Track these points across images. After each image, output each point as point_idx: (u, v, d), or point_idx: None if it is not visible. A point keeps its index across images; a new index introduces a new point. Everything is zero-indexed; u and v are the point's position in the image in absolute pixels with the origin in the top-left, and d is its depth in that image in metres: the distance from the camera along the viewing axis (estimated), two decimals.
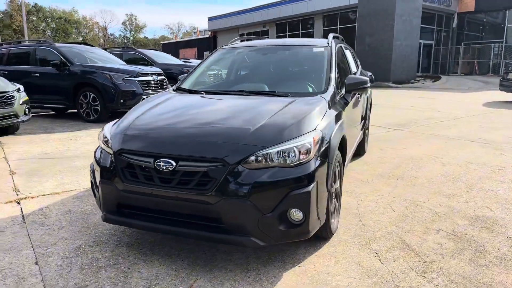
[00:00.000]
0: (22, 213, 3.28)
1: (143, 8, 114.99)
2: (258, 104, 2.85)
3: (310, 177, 2.21)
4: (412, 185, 3.93)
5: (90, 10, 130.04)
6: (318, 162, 2.31)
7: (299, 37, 26.28)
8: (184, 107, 3.00)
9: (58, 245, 2.70)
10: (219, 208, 2.15)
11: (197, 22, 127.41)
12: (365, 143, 5.29)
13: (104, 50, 11.05)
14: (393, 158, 5.05)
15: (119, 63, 9.50)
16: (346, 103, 3.37)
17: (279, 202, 2.15)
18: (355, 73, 4.45)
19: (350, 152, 3.49)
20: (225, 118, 2.58)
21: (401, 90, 17.52)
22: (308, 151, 2.25)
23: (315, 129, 2.43)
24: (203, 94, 3.31)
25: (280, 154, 2.20)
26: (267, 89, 3.29)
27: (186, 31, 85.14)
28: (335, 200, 2.76)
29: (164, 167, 2.21)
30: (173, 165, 2.20)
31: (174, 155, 2.23)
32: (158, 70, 9.40)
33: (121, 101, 8.11)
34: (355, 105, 3.88)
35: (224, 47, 4.22)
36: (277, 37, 29.27)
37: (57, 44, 9.21)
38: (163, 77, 9.20)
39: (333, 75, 3.31)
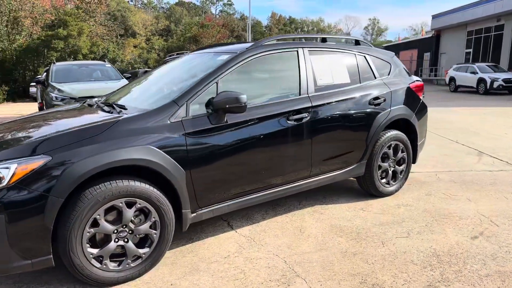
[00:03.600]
0: None
1: (387, 10, 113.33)
2: (75, 119, 2.99)
3: None
4: None
5: (335, 18, 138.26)
6: (15, 192, 2.16)
7: None
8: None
9: None
10: None
11: None
12: None
13: None
14: None
15: None
16: (206, 129, 2.75)
17: None
18: (321, 88, 3.45)
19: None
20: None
21: None
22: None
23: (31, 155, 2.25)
24: (94, 106, 3.28)
25: None
26: (124, 104, 3.10)
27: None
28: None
29: None
30: None
31: None
32: None
33: None
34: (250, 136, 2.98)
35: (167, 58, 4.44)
36: None
37: None
38: None
39: (200, 87, 2.82)
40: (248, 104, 2.96)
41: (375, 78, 3.93)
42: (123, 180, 2.45)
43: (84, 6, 27.32)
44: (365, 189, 4.01)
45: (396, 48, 38.54)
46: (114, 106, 3.06)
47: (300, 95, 3.33)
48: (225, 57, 3.16)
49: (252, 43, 3.35)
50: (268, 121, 3.08)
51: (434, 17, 31.06)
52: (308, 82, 3.39)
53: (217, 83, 2.92)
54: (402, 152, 4.09)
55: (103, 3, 28.28)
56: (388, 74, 4.06)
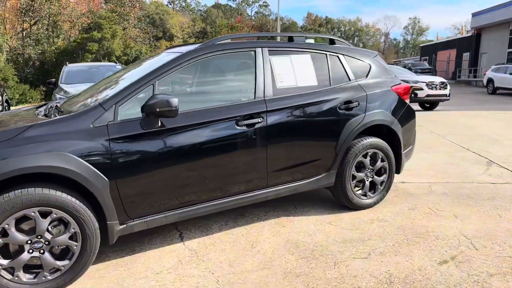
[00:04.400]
0: None
1: (430, 9, 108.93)
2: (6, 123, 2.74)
3: None
4: None
5: (374, 17, 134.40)
6: None
7: None
8: None
9: None
10: None
11: None
12: None
13: None
14: None
15: None
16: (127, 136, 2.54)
17: None
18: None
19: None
20: None
21: None
22: None
23: None
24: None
25: None
26: (66, 107, 3.02)
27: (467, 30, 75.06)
28: None
29: None
30: None
31: None
32: None
33: None
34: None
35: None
36: None
37: None
38: None
39: (133, 89, 2.65)
40: (190, 109, 2.76)
41: (350, 80, 3.59)
42: (35, 188, 2.32)
43: (118, 9, 28.17)
44: (339, 200, 3.68)
45: (434, 48, 36.85)
46: (57, 109, 2.95)
47: (255, 98, 3.07)
48: (170, 57, 2.97)
49: (203, 43, 3.14)
50: (212, 126, 2.85)
51: (474, 15, 29.35)
52: (266, 84, 3.13)
53: (153, 85, 2.74)
54: (382, 161, 3.73)
55: (136, 7, 29.04)
56: (366, 76, 3.71)
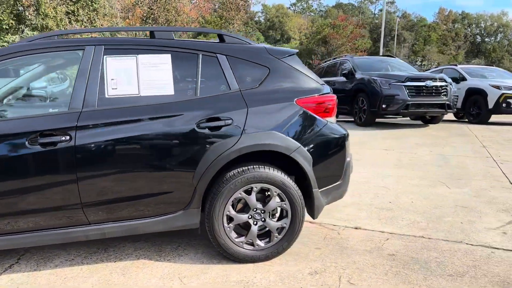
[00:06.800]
0: None
1: None
2: None
3: None
4: None
5: None
6: None
7: None
8: None
9: None
10: None
11: None
12: None
13: (402, 61, 11.08)
14: None
15: (404, 71, 9.40)
16: None
17: None
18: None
19: None
20: None
21: None
22: None
23: None
24: None
25: None
26: None
27: None
28: None
29: None
30: None
31: None
32: (439, 75, 8.73)
33: (383, 106, 8.24)
34: None
35: None
36: None
37: (354, 57, 10.55)
38: (443, 83, 8.41)
39: None
40: None
41: (230, 89, 2.66)
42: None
43: (225, 14, 29.37)
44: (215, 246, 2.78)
45: None
46: None
47: (69, 109, 2.44)
48: None
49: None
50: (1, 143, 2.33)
51: None
52: (88, 92, 2.47)
53: None
54: (282, 200, 2.69)
55: (241, 10, 29.85)
56: (260, 84, 2.71)
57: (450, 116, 11.11)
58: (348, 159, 2.90)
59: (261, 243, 2.72)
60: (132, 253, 2.94)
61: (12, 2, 24.55)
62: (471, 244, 2.95)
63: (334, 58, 12.03)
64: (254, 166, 2.63)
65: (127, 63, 2.58)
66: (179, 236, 3.16)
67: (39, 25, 22.90)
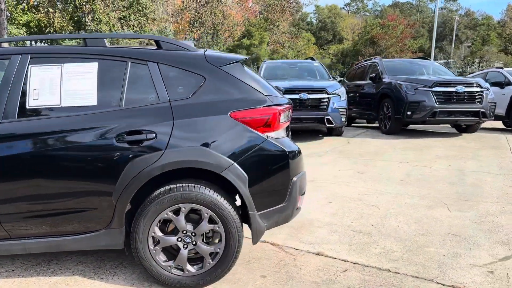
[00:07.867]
0: None
1: None
2: None
3: None
4: None
5: None
6: None
7: None
8: None
9: None
10: None
11: None
12: None
13: (438, 64, 10.41)
14: None
15: (438, 75, 8.79)
16: None
17: None
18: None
19: None
20: None
21: None
22: None
23: None
24: None
25: None
26: None
27: None
28: None
29: None
30: None
31: None
32: (475, 80, 8.05)
33: (408, 113, 7.70)
34: None
35: None
36: None
37: (383, 60, 9.86)
38: (477, 89, 7.75)
39: None
40: None
41: (159, 99, 2.46)
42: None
43: (271, 16, 29.22)
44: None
45: None
46: None
47: None
48: None
49: None
50: None
51: None
52: (8, 102, 2.39)
53: None
54: (214, 223, 2.44)
55: (286, 12, 29.53)
56: (192, 94, 2.47)
57: (498, 124, 10.01)
58: (294, 179, 2.57)
59: (191, 269, 2.49)
60: (72, 267, 2.84)
61: (70, 10, 26.24)
62: (442, 284, 2.49)
63: (366, 61, 11.33)
64: (183, 185, 2.40)
65: (52, 72, 2.47)
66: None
67: (93, 30, 24.31)
